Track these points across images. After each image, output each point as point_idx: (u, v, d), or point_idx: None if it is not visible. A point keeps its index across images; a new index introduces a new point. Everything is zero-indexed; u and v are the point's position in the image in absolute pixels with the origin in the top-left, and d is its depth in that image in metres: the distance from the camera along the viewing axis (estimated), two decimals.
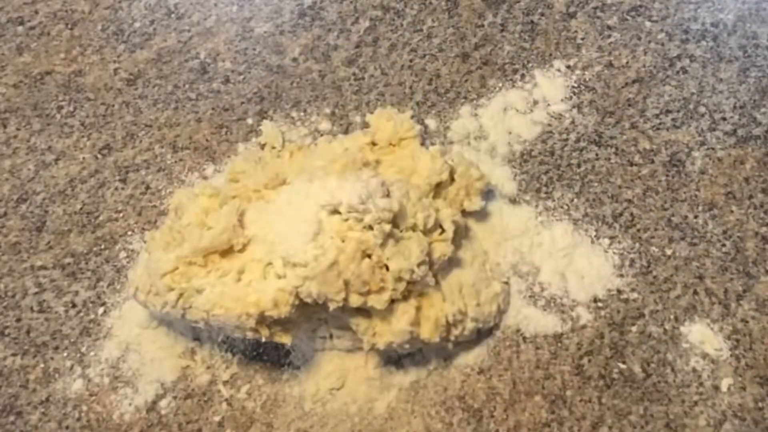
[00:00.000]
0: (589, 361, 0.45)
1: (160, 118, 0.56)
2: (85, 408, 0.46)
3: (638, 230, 0.49)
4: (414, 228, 0.43)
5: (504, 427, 0.43)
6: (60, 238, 0.51)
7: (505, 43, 0.58)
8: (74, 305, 0.49)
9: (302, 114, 0.55)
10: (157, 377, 0.46)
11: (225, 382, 0.46)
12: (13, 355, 0.47)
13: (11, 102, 0.57)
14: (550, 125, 0.54)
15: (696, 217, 0.49)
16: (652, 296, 0.47)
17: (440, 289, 0.44)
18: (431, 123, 0.54)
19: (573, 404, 0.44)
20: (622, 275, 0.48)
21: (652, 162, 0.52)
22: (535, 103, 0.55)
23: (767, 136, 0.52)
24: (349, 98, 0.56)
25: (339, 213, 0.42)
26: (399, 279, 0.41)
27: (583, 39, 0.58)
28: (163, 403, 0.45)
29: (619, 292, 0.47)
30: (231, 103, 0.56)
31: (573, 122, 0.54)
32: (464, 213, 0.48)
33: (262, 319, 0.41)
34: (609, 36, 0.58)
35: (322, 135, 0.54)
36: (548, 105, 0.55)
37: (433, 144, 0.53)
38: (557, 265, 0.48)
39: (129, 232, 0.51)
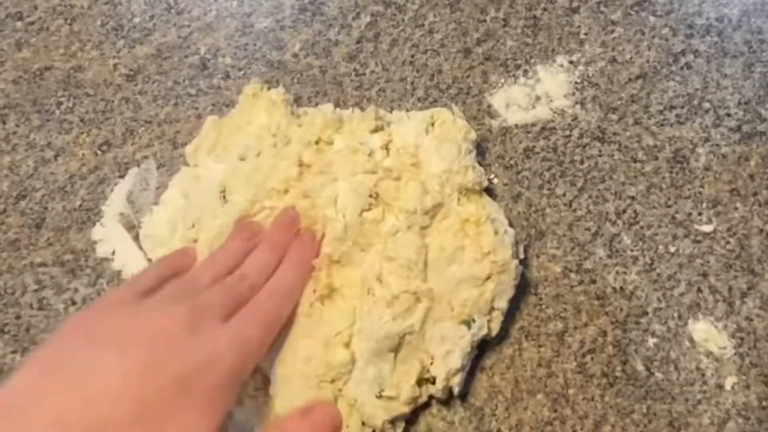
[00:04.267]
0: (592, 359, 0.45)
1: (160, 114, 0.55)
2: None
3: (641, 227, 0.49)
4: None
5: (506, 426, 0.43)
6: (59, 235, 0.51)
7: (508, 38, 0.57)
8: (74, 302, 0.49)
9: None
10: None
11: None
12: (13, 352, 0.47)
13: (10, 98, 0.57)
14: (552, 121, 0.53)
15: (700, 214, 0.49)
16: (656, 294, 0.46)
17: None
18: None
19: (575, 403, 0.43)
20: (625, 273, 0.47)
21: (656, 158, 0.51)
22: (538, 98, 0.54)
23: None
24: (350, 94, 0.55)
25: None
26: None
27: (586, 34, 0.57)
28: None
29: (622, 289, 0.47)
30: (231, 99, 0.55)
31: (576, 118, 0.53)
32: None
33: None
34: (612, 31, 0.57)
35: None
36: (551, 101, 0.54)
37: None
38: None
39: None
